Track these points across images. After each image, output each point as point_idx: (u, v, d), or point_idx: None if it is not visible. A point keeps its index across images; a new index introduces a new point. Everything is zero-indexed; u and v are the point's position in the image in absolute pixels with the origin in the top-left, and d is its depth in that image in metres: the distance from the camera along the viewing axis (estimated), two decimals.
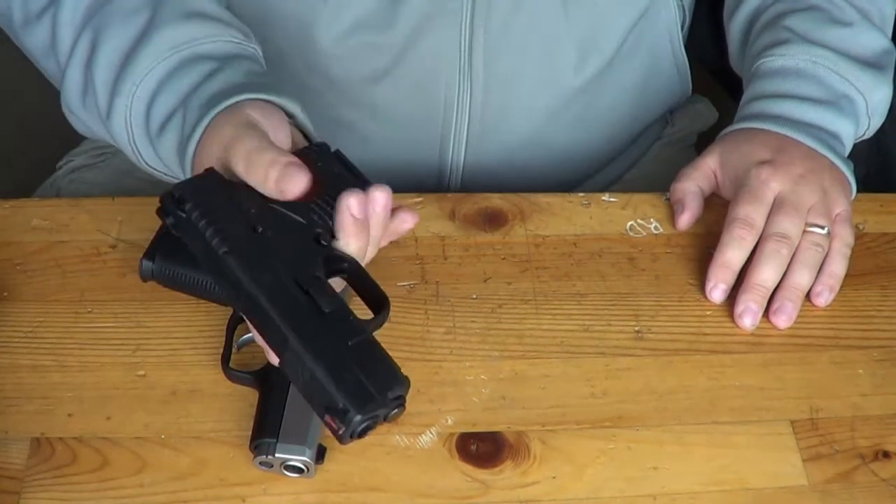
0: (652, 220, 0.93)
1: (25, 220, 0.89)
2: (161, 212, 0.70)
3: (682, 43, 1.07)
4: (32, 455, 0.75)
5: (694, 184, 0.92)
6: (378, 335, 0.83)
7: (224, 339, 0.80)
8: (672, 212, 0.93)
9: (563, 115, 1.03)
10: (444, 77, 0.97)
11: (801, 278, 0.85)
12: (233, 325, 0.80)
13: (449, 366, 0.82)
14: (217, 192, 0.70)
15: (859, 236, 0.93)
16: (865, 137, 0.97)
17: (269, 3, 0.94)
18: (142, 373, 0.80)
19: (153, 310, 0.83)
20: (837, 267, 0.87)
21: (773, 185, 0.86)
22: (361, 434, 0.65)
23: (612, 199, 0.95)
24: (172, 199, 0.69)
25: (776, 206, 0.86)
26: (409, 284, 0.87)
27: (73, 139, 1.11)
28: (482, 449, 0.78)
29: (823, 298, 0.87)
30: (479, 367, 0.82)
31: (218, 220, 0.69)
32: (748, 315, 0.85)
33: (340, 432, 0.64)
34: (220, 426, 0.77)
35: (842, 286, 0.89)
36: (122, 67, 0.82)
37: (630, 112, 1.07)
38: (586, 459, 0.77)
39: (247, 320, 0.70)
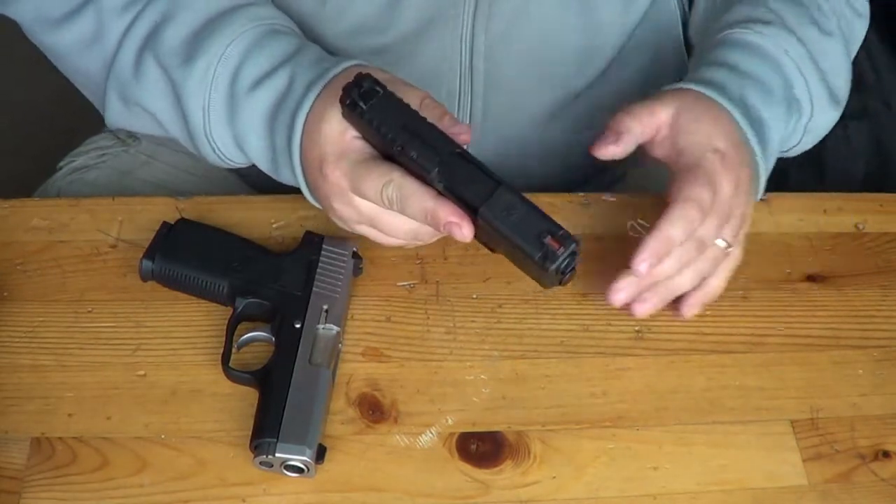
0: (652, 220, 0.93)
1: (25, 220, 0.89)
2: (355, 85, 0.75)
3: (683, 43, 1.06)
4: (33, 455, 0.75)
5: (640, 127, 0.84)
6: (377, 335, 0.84)
7: (224, 338, 0.80)
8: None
9: (564, 116, 1.03)
10: (445, 79, 0.97)
11: (685, 282, 0.82)
12: (233, 325, 0.80)
13: (449, 366, 0.82)
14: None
15: (859, 236, 0.93)
16: (787, 154, 0.94)
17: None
18: (142, 373, 0.80)
19: (153, 310, 0.83)
20: (719, 284, 0.84)
21: (725, 182, 0.80)
22: (567, 267, 0.72)
23: (612, 199, 0.95)
24: (364, 80, 0.75)
25: (712, 207, 0.81)
26: (409, 284, 0.87)
27: (73, 139, 1.11)
28: (482, 449, 0.78)
29: (692, 311, 0.84)
30: (479, 367, 0.82)
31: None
32: (641, 303, 0.81)
33: (559, 252, 0.71)
34: (220, 426, 0.77)
35: (842, 286, 0.89)
36: (205, 33, 0.84)
37: None
38: (586, 459, 0.78)
39: (438, 176, 0.74)
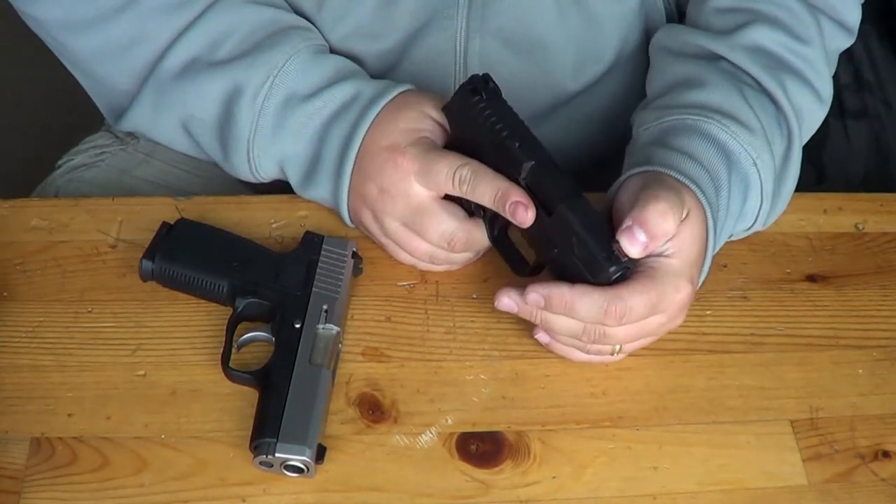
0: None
1: (25, 220, 0.89)
2: (483, 79, 0.81)
3: None
4: (32, 455, 0.75)
5: (672, 232, 0.77)
6: (377, 335, 0.84)
7: (224, 339, 0.80)
8: None
9: (560, 116, 1.03)
10: (438, 80, 0.97)
11: (557, 346, 0.82)
12: (233, 325, 0.80)
13: (449, 366, 0.82)
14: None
15: (859, 236, 0.93)
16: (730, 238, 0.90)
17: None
18: (142, 373, 0.80)
19: (153, 310, 0.83)
20: (580, 357, 0.82)
21: (670, 311, 0.78)
22: (621, 277, 0.75)
23: None
24: (490, 79, 0.82)
25: (644, 325, 0.79)
26: (409, 284, 0.87)
27: (71, 138, 1.11)
28: (482, 449, 0.78)
29: (542, 338, 0.82)
30: (479, 367, 0.82)
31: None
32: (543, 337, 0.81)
33: (624, 259, 0.75)
34: (220, 426, 0.77)
35: (842, 286, 0.89)
36: (264, 45, 0.87)
37: (630, 113, 1.07)
38: (586, 459, 0.78)
39: (530, 170, 0.79)
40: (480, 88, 0.81)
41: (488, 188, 0.79)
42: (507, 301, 0.79)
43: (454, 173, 0.80)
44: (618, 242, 0.75)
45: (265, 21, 0.89)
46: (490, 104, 0.80)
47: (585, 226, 0.76)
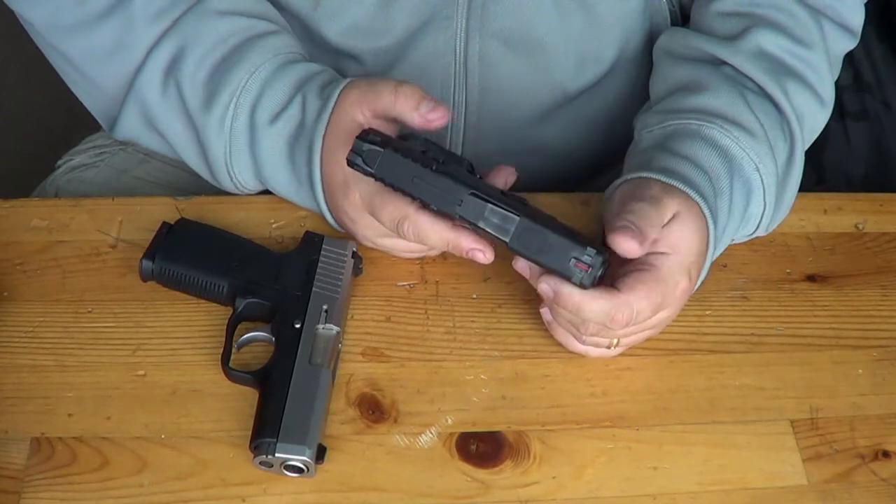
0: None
1: (25, 220, 0.89)
2: (355, 152, 0.78)
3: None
4: (32, 455, 0.75)
5: (650, 237, 0.78)
6: (377, 335, 0.84)
7: (224, 338, 0.80)
8: None
9: (561, 118, 1.03)
10: (438, 81, 0.97)
11: (559, 336, 0.83)
12: (233, 325, 0.80)
13: (449, 366, 0.82)
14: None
15: (859, 236, 0.93)
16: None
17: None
18: (142, 373, 0.80)
19: (153, 310, 0.83)
20: (576, 347, 0.83)
21: (669, 308, 0.79)
22: (597, 279, 0.76)
23: None
24: (363, 143, 0.78)
25: (646, 322, 0.79)
26: (409, 284, 0.87)
27: (70, 138, 1.11)
28: (482, 449, 0.78)
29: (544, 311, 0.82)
30: (479, 367, 0.82)
31: (412, 148, 0.79)
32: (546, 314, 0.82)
33: (588, 272, 0.75)
34: (220, 426, 0.77)
35: (842, 286, 0.89)
36: (223, 66, 0.86)
37: (631, 115, 1.07)
38: (586, 459, 0.78)
39: (462, 221, 0.77)
40: (362, 165, 0.78)
41: (438, 240, 0.80)
42: (522, 264, 0.80)
43: (396, 226, 0.80)
44: (575, 259, 0.75)
45: (237, 29, 0.88)
46: (382, 172, 0.77)
47: (540, 255, 0.76)
